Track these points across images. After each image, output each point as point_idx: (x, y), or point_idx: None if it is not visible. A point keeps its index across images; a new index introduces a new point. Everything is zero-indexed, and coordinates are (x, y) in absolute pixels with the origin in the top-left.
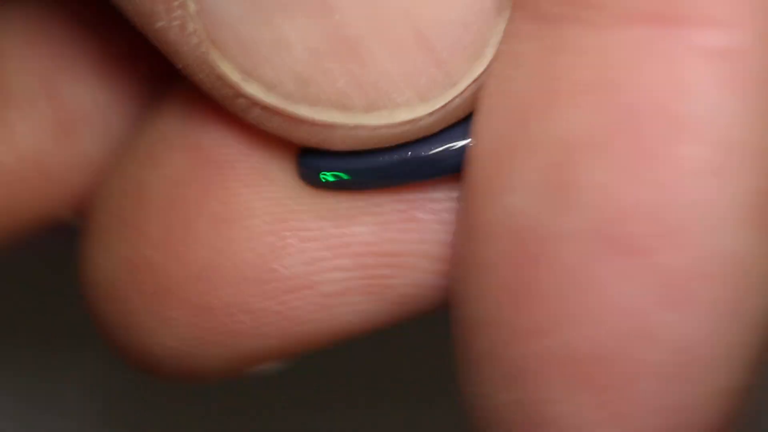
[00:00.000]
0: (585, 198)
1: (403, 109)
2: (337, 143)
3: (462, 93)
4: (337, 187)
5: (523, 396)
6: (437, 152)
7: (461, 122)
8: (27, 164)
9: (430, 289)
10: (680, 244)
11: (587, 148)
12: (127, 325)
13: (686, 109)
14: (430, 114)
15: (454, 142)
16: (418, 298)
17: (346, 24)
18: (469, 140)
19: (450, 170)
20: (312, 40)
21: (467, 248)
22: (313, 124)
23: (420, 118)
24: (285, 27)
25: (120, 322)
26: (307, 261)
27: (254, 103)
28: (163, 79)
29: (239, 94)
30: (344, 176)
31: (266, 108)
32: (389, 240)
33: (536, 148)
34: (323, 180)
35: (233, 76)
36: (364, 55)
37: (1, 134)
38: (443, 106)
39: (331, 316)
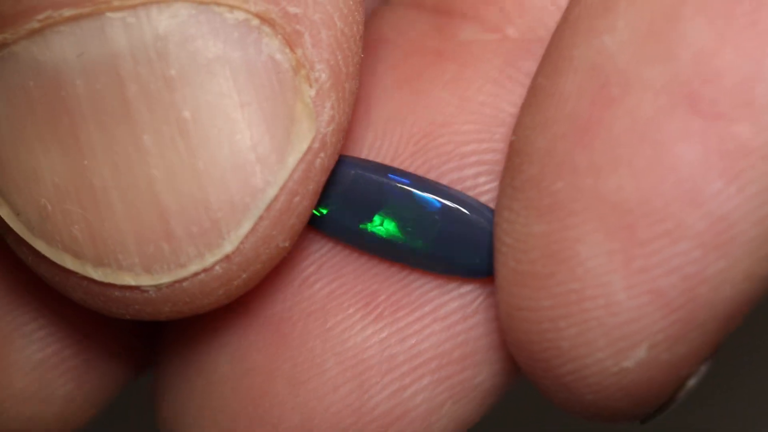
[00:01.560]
0: (680, 53)
1: (127, 273)
2: (75, 293)
3: (192, 277)
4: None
5: (554, 229)
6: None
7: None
8: None
9: (509, 373)
10: (757, 120)
11: (696, 5)
12: None
13: None
14: (157, 288)
15: None
16: (501, 385)
17: (93, 171)
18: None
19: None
20: (60, 177)
21: (546, 80)
22: (50, 264)
23: (144, 289)
24: (40, 158)
25: None
26: (391, 394)
27: (7, 225)
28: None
29: None
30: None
31: (14, 233)
32: (458, 345)
33: None
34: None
35: None
36: (102, 208)
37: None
38: (171, 285)
39: None
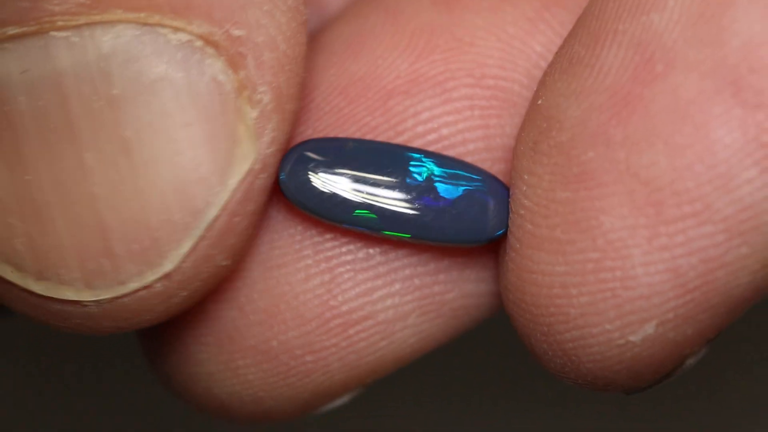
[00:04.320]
0: (730, 39)
1: (68, 287)
2: (16, 305)
3: (132, 293)
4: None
5: (580, 198)
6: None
7: None
8: None
9: (481, 296)
10: None
11: None
12: (194, 375)
13: None
14: (98, 304)
15: None
16: (471, 308)
17: (35, 186)
18: None
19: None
20: (2, 191)
21: (584, 50)
22: None
23: (85, 304)
24: None
25: (186, 373)
26: (361, 293)
27: None
28: None
29: None
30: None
31: None
32: (434, 258)
33: None
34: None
35: None
36: (45, 223)
37: None
38: (111, 300)
39: (393, 342)
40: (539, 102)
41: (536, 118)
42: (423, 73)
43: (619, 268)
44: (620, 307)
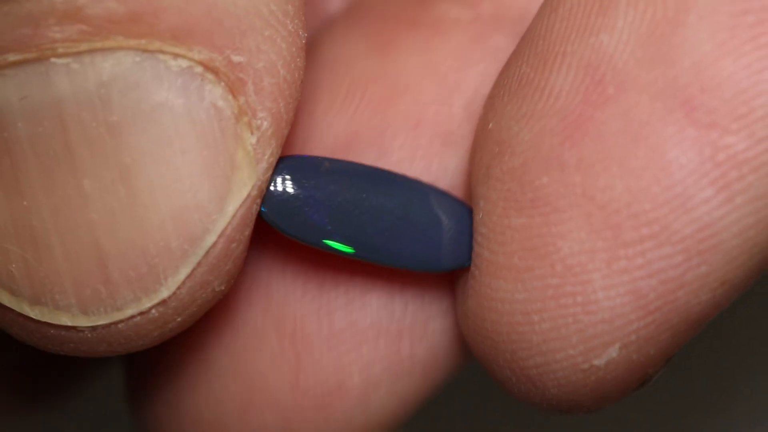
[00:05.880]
0: (680, 59)
1: (64, 313)
2: (11, 328)
3: (128, 319)
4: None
5: (536, 224)
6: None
7: None
8: None
9: (450, 347)
10: (752, 133)
11: (700, 11)
12: None
13: None
14: (93, 329)
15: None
16: (442, 361)
17: (33, 212)
18: None
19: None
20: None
21: (533, 72)
22: None
23: (80, 329)
24: None
25: None
26: (329, 367)
27: None
28: None
29: None
30: None
31: None
32: (396, 318)
33: None
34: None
35: None
36: (41, 248)
37: None
38: (107, 326)
39: (369, 410)
40: (490, 126)
41: (488, 143)
42: (362, 126)
43: (579, 293)
44: (583, 332)
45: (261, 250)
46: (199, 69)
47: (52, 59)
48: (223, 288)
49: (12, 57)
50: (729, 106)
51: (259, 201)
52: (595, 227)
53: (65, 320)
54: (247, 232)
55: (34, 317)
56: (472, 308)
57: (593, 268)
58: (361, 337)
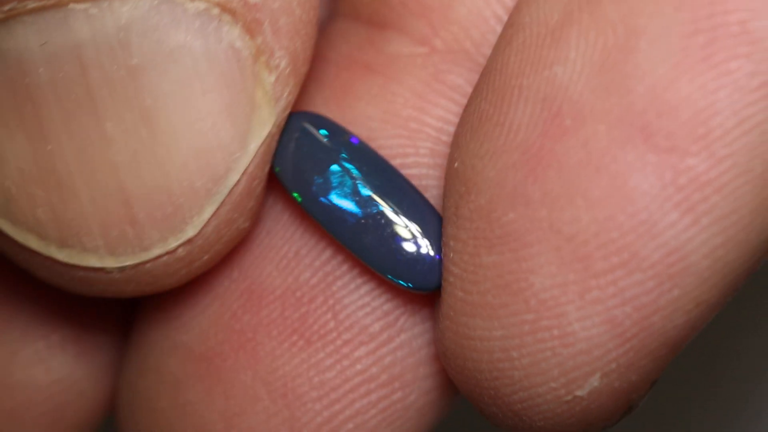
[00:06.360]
0: (634, 85)
1: (91, 254)
2: (39, 271)
3: (155, 259)
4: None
5: (506, 260)
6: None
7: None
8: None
9: (441, 388)
10: (712, 154)
11: (650, 36)
12: None
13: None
14: (121, 270)
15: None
16: (435, 402)
17: (57, 156)
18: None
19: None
20: (24, 161)
21: (491, 108)
22: (14, 243)
23: (108, 270)
24: (5, 143)
25: None
26: (322, 423)
27: None
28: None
29: None
30: None
31: None
32: (385, 368)
33: (599, 25)
34: None
35: None
36: (66, 192)
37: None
38: (134, 266)
39: None
40: (456, 165)
41: (455, 183)
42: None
43: (555, 327)
44: (563, 365)
45: (245, 308)
46: (215, 10)
47: (71, 5)
48: (247, 225)
49: (31, 4)
50: (687, 128)
51: (277, 138)
52: (565, 260)
53: (93, 262)
54: (267, 168)
55: (62, 260)
56: (451, 348)
57: (566, 301)
58: (352, 389)
